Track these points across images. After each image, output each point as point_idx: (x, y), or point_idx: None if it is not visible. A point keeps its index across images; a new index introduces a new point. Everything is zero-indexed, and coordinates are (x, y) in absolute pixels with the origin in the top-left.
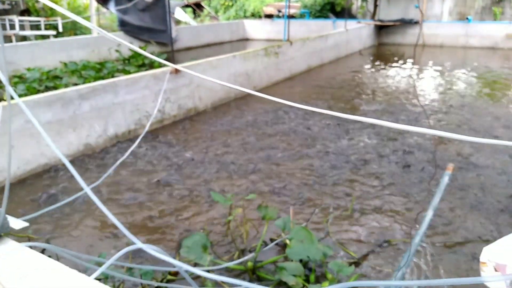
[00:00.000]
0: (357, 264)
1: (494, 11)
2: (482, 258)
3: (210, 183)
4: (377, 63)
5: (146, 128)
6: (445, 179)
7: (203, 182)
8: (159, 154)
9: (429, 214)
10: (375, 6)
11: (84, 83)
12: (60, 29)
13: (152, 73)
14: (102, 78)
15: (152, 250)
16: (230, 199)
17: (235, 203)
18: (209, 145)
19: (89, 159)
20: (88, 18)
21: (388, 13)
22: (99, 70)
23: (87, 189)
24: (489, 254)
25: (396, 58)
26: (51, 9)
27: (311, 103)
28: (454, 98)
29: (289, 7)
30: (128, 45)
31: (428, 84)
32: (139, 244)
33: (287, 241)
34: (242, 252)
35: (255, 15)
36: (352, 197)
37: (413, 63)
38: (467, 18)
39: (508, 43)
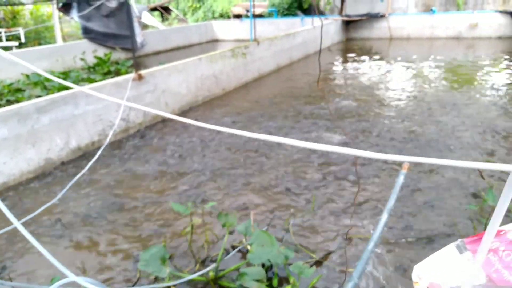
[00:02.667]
0: (318, 263)
1: (457, 2)
2: (413, 277)
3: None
4: (345, 58)
5: (107, 141)
6: (400, 179)
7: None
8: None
9: (384, 217)
10: (342, 1)
11: (48, 94)
12: (23, 40)
13: (114, 81)
14: (67, 88)
15: (87, 282)
16: (189, 208)
17: (195, 212)
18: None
19: (50, 175)
20: (51, 27)
21: (355, 8)
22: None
23: (18, 224)
24: (421, 272)
25: (363, 52)
26: (13, 19)
27: (272, 107)
28: (419, 87)
29: (254, 6)
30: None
31: (395, 76)
32: (72, 277)
33: (249, 247)
34: (203, 263)
35: (223, 16)
36: (313, 196)
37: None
38: (431, 10)
39: (471, 32)
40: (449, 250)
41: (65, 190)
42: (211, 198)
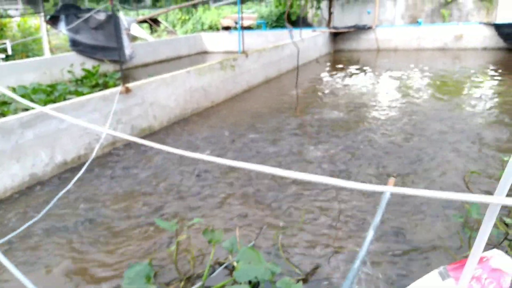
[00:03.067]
0: (304, 280)
1: (443, 13)
2: None
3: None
4: (333, 70)
5: (93, 155)
6: (386, 195)
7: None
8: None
9: (370, 235)
10: (330, 13)
11: (34, 108)
12: (10, 52)
13: (101, 95)
14: (53, 101)
15: None
16: (175, 225)
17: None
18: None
19: (34, 191)
20: (39, 39)
21: (342, 20)
22: (50, 93)
23: None
24: None
25: (351, 64)
26: (0, 31)
27: (263, 118)
28: (406, 99)
29: (243, 18)
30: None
31: (383, 88)
32: None
33: (235, 263)
34: (189, 280)
35: (212, 28)
36: (303, 210)
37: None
38: (417, 21)
39: (457, 44)
40: (432, 276)
41: (48, 207)
42: (197, 214)
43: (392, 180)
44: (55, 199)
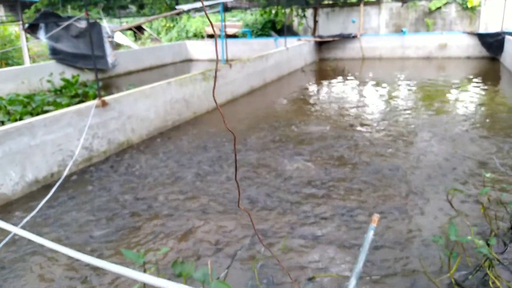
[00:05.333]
0: None
1: (427, 23)
2: None
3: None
4: (316, 80)
5: (65, 174)
6: (370, 235)
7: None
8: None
9: (352, 284)
10: (315, 22)
11: (10, 120)
12: None
13: (76, 109)
14: (30, 113)
15: None
16: (142, 256)
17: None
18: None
19: (1, 212)
20: (19, 47)
21: (327, 29)
22: (27, 104)
23: None
24: None
25: (336, 74)
26: None
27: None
28: (390, 108)
29: (226, 27)
30: None
31: (368, 98)
32: None
33: None
34: None
35: (197, 36)
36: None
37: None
38: (402, 30)
39: (441, 53)
40: None
41: (16, 230)
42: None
43: (376, 216)
44: (23, 222)
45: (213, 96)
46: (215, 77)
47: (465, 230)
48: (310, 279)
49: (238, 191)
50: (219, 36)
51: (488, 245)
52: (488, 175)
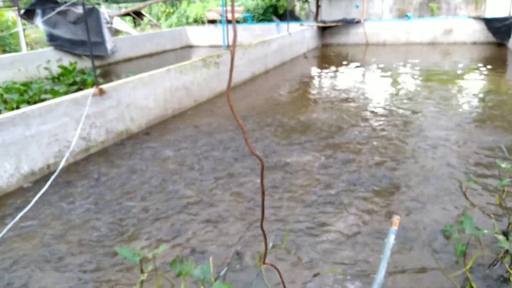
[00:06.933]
0: None
1: (432, 7)
2: None
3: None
4: (318, 66)
5: (61, 166)
6: (391, 239)
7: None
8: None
9: None
10: (317, 7)
11: (6, 108)
12: None
13: (72, 98)
14: (27, 101)
15: None
16: (138, 254)
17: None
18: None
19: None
20: (16, 33)
21: (330, 14)
22: (23, 92)
23: None
24: None
25: (340, 60)
26: None
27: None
28: (394, 95)
29: (227, 11)
30: None
31: (371, 85)
32: None
33: None
34: None
35: (197, 21)
36: (287, 229)
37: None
38: (406, 15)
39: (446, 38)
40: None
41: (8, 226)
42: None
43: (397, 219)
44: (15, 219)
45: (228, 91)
46: (231, 67)
47: (478, 222)
48: (315, 275)
49: (265, 242)
50: (220, 21)
51: (507, 238)
52: (504, 165)
